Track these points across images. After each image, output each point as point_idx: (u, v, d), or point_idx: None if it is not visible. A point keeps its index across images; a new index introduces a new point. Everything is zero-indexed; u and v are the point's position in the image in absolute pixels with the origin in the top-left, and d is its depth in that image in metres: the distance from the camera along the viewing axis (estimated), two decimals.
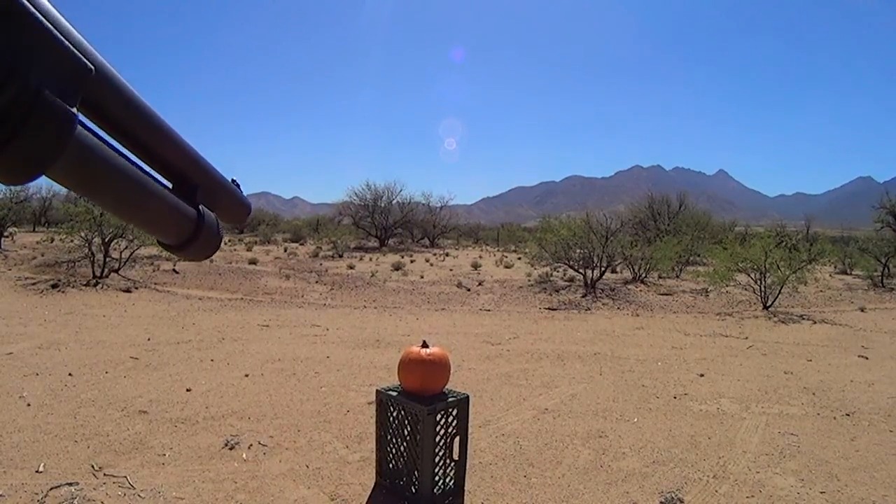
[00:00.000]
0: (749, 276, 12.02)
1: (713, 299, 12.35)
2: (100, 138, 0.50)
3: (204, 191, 0.66)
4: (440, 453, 2.93)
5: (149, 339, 6.73)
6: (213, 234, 0.67)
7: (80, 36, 0.46)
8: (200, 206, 0.65)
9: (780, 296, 11.49)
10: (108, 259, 11.80)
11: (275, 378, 5.24)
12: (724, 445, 3.92)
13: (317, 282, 13.62)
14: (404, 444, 2.97)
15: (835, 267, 20.89)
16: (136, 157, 0.58)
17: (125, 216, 0.56)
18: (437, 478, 2.94)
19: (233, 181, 0.76)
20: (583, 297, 12.21)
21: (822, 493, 3.24)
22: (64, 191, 28.49)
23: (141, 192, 0.55)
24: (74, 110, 0.43)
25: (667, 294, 12.96)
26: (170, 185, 0.63)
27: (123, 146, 0.57)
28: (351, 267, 17.19)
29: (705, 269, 14.19)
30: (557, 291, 12.83)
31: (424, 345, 3.02)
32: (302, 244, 27.54)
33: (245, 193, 0.77)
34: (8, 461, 3.26)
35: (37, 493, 2.89)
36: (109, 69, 0.52)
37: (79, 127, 0.45)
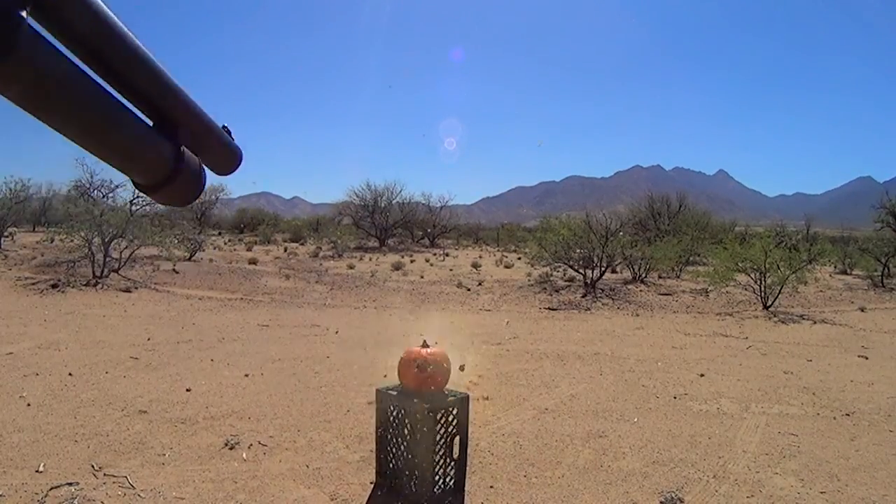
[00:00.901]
0: (749, 276, 12.02)
1: (713, 299, 12.35)
2: (66, 58, 0.45)
3: (187, 131, 0.61)
4: (440, 452, 2.93)
5: (149, 339, 6.73)
6: (194, 177, 0.62)
7: None
8: (182, 147, 0.60)
9: (780, 296, 11.49)
10: (107, 259, 11.81)
11: (275, 378, 5.24)
12: (724, 445, 3.92)
13: (317, 282, 13.62)
14: (404, 443, 2.97)
15: (835, 267, 20.88)
16: (114, 88, 0.53)
17: (90, 145, 0.51)
18: (437, 477, 2.94)
19: (223, 127, 0.71)
20: (583, 297, 12.21)
21: (821, 493, 3.24)
22: (64, 191, 28.51)
23: (109, 119, 0.51)
24: (23, 13, 0.39)
25: (667, 294, 12.96)
26: (150, 124, 0.58)
27: (98, 75, 0.52)
28: (351, 267, 17.19)
29: (705, 269, 14.19)
30: (557, 291, 12.83)
31: (425, 344, 3.03)
32: (302, 244, 27.54)
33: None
34: (8, 461, 3.26)
35: (37, 493, 2.89)
36: None
37: (38, 39, 0.41)
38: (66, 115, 0.47)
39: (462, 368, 3.10)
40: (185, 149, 0.61)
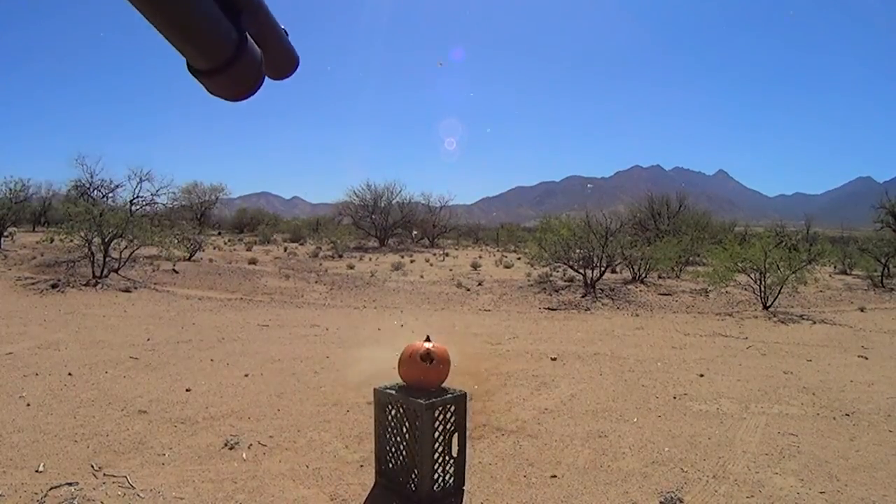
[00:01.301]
0: (749, 276, 12.02)
1: (713, 299, 12.35)
2: None
3: (250, 19, 0.59)
4: (439, 450, 2.94)
5: (149, 339, 6.73)
6: (254, 66, 0.58)
7: None
8: (245, 32, 0.57)
9: (779, 296, 11.49)
10: (107, 259, 11.81)
11: (275, 378, 5.24)
12: (723, 445, 3.92)
13: (316, 282, 13.62)
14: (403, 442, 2.97)
15: (835, 267, 20.87)
16: None
17: (151, 12, 0.48)
18: (436, 475, 2.95)
19: (283, 30, 0.68)
20: (582, 297, 12.21)
21: (821, 493, 3.24)
22: (64, 191, 28.49)
23: None
24: None
25: (667, 294, 12.96)
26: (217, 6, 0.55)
27: None
28: (351, 267, 17.20)
29: (705, 270, 14.19)
30: (557, 291, 12.83)
31: (427, 339, 3.07)
32: (302, 244, 27.54)
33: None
34: (8, 461, 3.26)
35: (37, 493, 2.89)
36: None
37: None
38: None
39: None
40: (249, 36, 0.58)
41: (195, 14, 0.50)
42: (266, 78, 0.69)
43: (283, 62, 0.69)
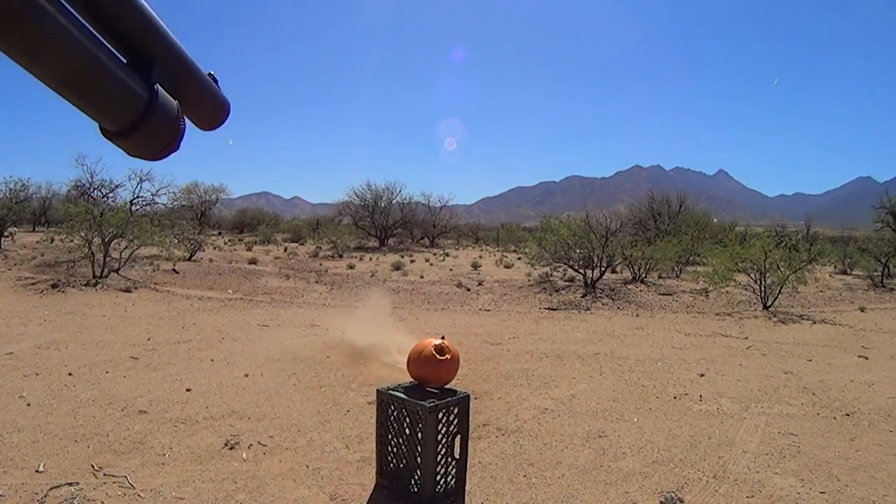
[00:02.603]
0: (749, 276, 12.02)
1: (713, 299, 12.35)
2: None
3: (163, 69, 0.53)
4: (441, 452, 2.94)
5: (149, 339, 6.73)
6: (169, 122, 0.53)
7: None
8: (156, 86, 0.52)
9: (779, 296, 11.49)
10: (107, 259, 11.81)
11: (275, 378, 5.24)
12: (724, 445, 3.92)
13: (317, 282, 13.62)
14: (405, 443, 2.97)
15: (835, 267, 20.88)
16: (80, 15, 0.47)
17: (49, 78, 0.44)
18: (438, 477, 2.95)
19: (210, 74, 0.63)
20: (583, 297, 12.21)
21: (821, 493, 3.24)
22: (64, 191, 28.50)
23: (67, 46, 0.43)
24: None
25: (667, 294, 12.96)
26: (122, 61, 0.51)
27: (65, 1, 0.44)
28: (351, 267, 17.19)
29: (705, 270, 14.19)
30: (557, 291, 12.83)
31: (442, 338, 3.10)
32: (302, 244, 27.53)
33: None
34: (8, 461, 3.26)
35: (37, 493, 2.89)
36: None
37: None
38: (21, 41, 0.40)
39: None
40: (161, 89, 0.53)
41: (95, 74, 0.46)
42: (205, 127, 0.65)
43: (210, 111, 0.64)
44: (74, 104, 0.48)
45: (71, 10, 0.44)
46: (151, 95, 0.51)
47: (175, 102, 0.54)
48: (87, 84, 0.46)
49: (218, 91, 0.64)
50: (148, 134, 0.52)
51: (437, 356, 2.98)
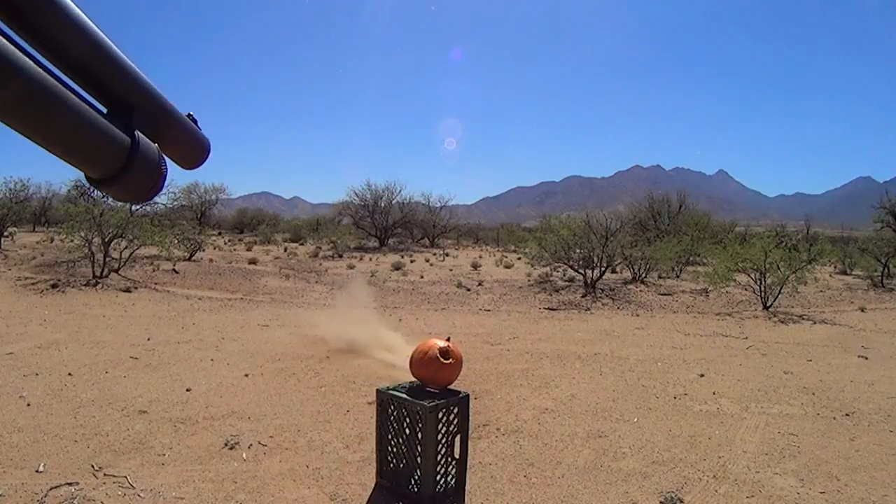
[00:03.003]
0: (749, 276, 12.02)
1: (713, 299, 12.35)
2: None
3: (144, 116, 0.55)
4: (441, 452, 2.94)
5: (149, 339, 6.73)
6: (151, 168, 0.54)
7: None
8: (137, 133, 0.53)
9: (779, 296, 11.49)
10: (107, 259, 11.80)
11: (275, 378, 5.24)
12: (724, 445, 3.92)
13: (317, 282, 13.62)
14: (405, 443, 2.97)
15: (835, 267, 20.88)
16: (59, 69, 0.48)
17: (32, 133, 0.45)
18: (438, 477, 2.95)
19: (189, 115, 0.64)
20: (583, 297, 12.21)
21: (821, 493, 3.24)
22: (64, 191, 28.50)
23: (53, 104, 0.44)
24: None
25: (667, 294, 12.96)
26: (103, 110, 0.52)
27: (40, 53, 0.46)
28: (351, 267, 17.19)
29: (705, 270, 14.19)
30: (557, 291, 12.83)
31: (448, 339, 3.10)
32: (302, 244, 27.53)
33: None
34: (8, 461, 3.26)
35: (37, 493, 2.89)
36: None
37: None
38: (7, 106, 0.41)
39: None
40: (142, 135, 0.54)
41: (78, 128, 0.47)
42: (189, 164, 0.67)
43: (190, 152, 0.66)
44: (59, 156, 0.49)
45: (50, 66, 0.45)
46: (133, 143, 0.52)
47: (155, 147, 0.56)
48: (71, 138, 0.47)
49: (197, 132, 0.65)
50: (132, 180, 0.53)
51: (442, 359, 2.98)
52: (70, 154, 0.49)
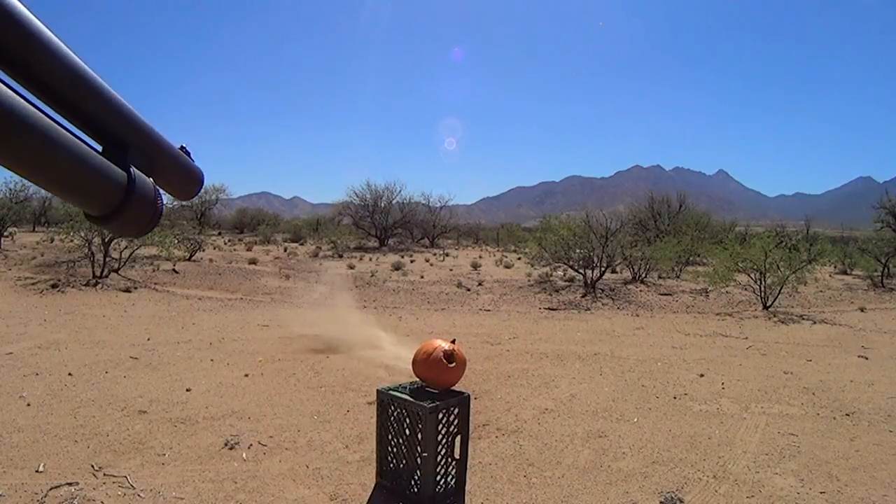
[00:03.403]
0: (749, 276, 12.02)
1: (713, 299, 12.35)
2: None
3: (138, 152, 0.57)
4: (442, 452, 2.94)
5: (149, 339, 6.73)
6: (148, 203, 0.56)
7: None
8: (132, 169, 0.55)
9: (779, 296, 11.49)
10: (107, 259, 11.80)
11: (275, 378, 5.24)
12: (724, 445, 3.92)
13: (316, 282, 13.62)
14: (405, 443, 2.97)
15: (835, 267, 20.87)
16: (53, 109, 0.49)
17: (30, 174, 0.46)
18: (438, 477, 2.95)
19: (181, 148, 0.66)
20: (583, 297, 12.21)
21: (821, 493, 3.24)
22: None
23: (49, 145, 0.45)
24: None
25: (667, 294, 12.96)
26: (98, 148, 0.53)
27: (34, 94, 0.47)
28: (351, 267, 17.19)
29: (705, 270, 14.19)
30: (557, 291, 12.83)
31: (453, 341, 3.10)
32: (302, 244, 27.53)
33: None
34: (8, 461, 3.26)
35: (37, 493, 2.89)
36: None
37: None
38: (3, 143, 0.42)
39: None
40: (137, 172, 0.56)
41: (75, 168, 0.48)
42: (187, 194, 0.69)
43: (184, 184, 0.68)
44: (57, 195, 0.50)
45: (44, 108, 0.46)
46: (130, 180, 0.54)
47: (151, 182, 0.57)
48: (69, 178, 0.49)
49: (191, 164, 0.67)
50: (129, 216, 0.55)
51: (446, 363, 2.98)
52: (68, 193, 0.50)
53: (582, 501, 3.07)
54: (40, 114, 0.45)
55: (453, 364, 3.00)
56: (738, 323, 9.70)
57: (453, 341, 3.11)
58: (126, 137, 0.56)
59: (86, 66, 0.51)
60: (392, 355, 6.02)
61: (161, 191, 0.61)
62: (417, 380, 3.19)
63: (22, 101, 0.43)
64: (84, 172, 0.49)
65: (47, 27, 0.47)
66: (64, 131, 0.47)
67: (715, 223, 29.83)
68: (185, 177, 0.67)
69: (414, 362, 3.08)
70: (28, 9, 0.44)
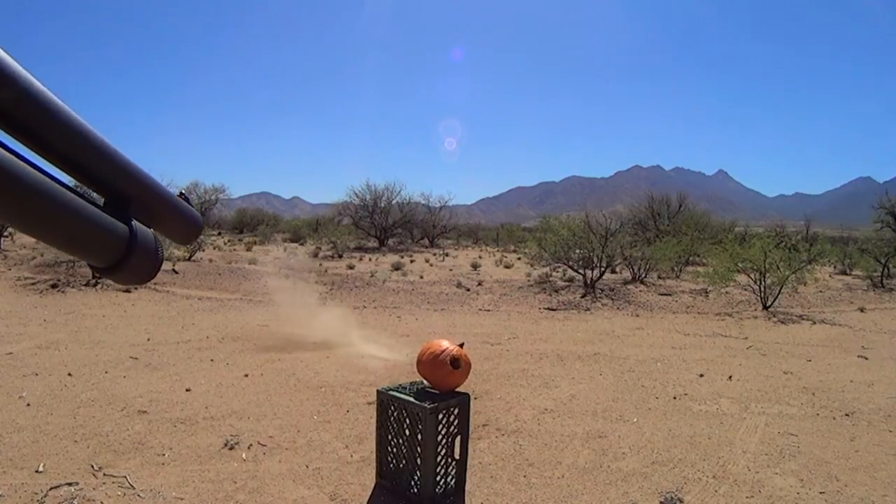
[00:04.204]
0: (749, 276, 12.02)
1: (713, 299, 12.35)
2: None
3: (139, 204, 0.59)
4: (441, 452, 2.94)
5: (148, 339, 6.73)
6: (150, 254, 0.58)
7: None
8: (134, 222, 0.57)
9: (779, 296, 11.49)
10: None
11: (275, 378, 5.24)
12: (723, 445, 3.92)
13: (316, 282, 13.61)
14: (405, 443, 2.97)
15: (834, 267, 20.88)
16: (57, 168, 0.51)
17: (36, 233, 0.48)
18: (438, 477, 2.95)
19: (181, 195, 0.69)
20: (582, 297, 12.21)
21: (821, 493, 3.24)
22: None
23: (55, 205, 0.47)
24: None
25: (666, 294, 12.97)
26: (100, 202, 0.55)
27: (38, 154, 0.49)
28: (350, 267, 17.19)
29: (705, 270, 14.19)
30: (557, 292, 12.83)
31: (461, 345, 3.10)
32: (302, 244, 27.53)
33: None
34: (8, 461, 3.26)
35: (37, 493, 2.89)
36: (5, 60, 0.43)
37: None
38: (6, 206, 0.43)
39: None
40: (138, 223, 0.58)
41: (80, 223, 0.50)
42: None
43: (185, 231, 0.70)
44: (62, 251, 0.52)
45: (47, 168, 0.48)
46: (132, 234, 0.56)
47: (151, 233, 0.60)
48: (74, 235, 0.51)
49: (190, 211, 0.70)
50: (132, 268, 0.57)
51: (451, 367, 2.97)
52: (73, 250, 0.52)
53: (582, 501, 3.07)
54: (44, 177, 0.46)
55: (459, 368, 2.99)
56: (738, 323, 9.70)
57: (461, 345, 3.10)
58: (128, 191, 0.57)
59: (90, 127, 0.52)
60: (361, 353, 6.17)
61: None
62: (417, 380, 3.19)
63: (26, 165, 0.45)
64: (88, 230, 0.51)
65: (58, 97, 0.48)
66: (67, 192, 0.49)
67: (715, 223, 29.83)
68: (184, 224, 0.69)
69: (419, 362, 3.07)
70: (29, 71, 0.46)
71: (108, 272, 0.57)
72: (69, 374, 5.07)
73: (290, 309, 8.46)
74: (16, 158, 0.44)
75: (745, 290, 12.40)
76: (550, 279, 14.80)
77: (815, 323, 9.91)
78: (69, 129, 0.50)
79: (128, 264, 0.56)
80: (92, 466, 3.23)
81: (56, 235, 0.50)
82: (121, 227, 0.55)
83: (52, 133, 0.49)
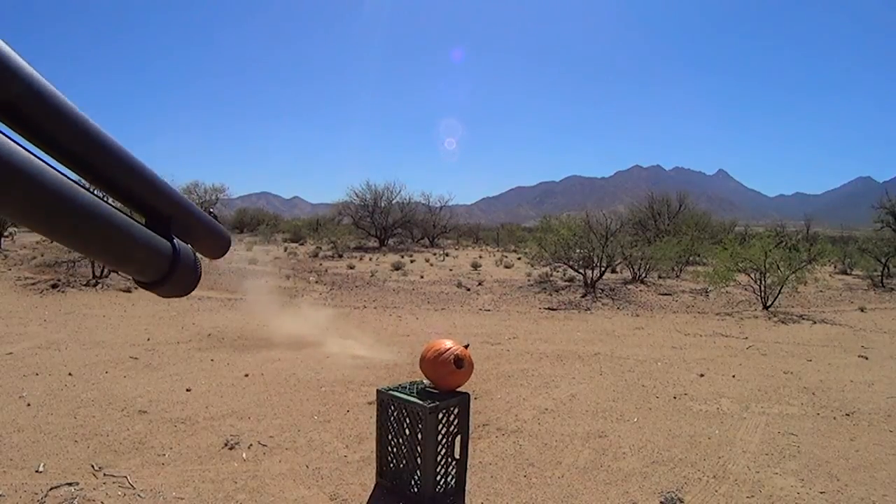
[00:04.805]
0: (749, 276, 12.02)
1: (713, 299, 12.35)
2: (57, 172, 0.46)
3: (178, 223, 0.64)
4: (441, 452, 2.94)
5: (148, 339, 6.73)
6: (190, 269, 0.63)
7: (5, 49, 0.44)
8: (175, 240, 0.62)
9: (779, 296, 11.49)
10: None
11: (275, 378, 5.24)
12: (724, 445, 3.92)
13: (316, 282, 13.61)
14: (405, 443, 2.97)
15: (835, 267, 20.87)
16: (100, 189, 0.56)
17: (90, 252, 0.52)
18: (438, 477, 2.95)
19: (209, 212, 0.74)
20: (583, 297, 12.21)
21: (821, 493, 3.24)
22: None
23: (106, 225, 0.51)
24: None
25: (667, 294, 12.96)
26: (142, 220, 0.60)
27: (84, 178, 0.54)
28: (351, 267, 17.19)
29: (705, 269, 14.19)
30: (557, 291, 12.83)
31: (467, 346, 3.11)
32: (302, 244, 27.52)
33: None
34: (8, 461, 3.26)
35: (37, 493, 2.89)
36: (54, 96, 0.48)
37: (30, 161, 0.42)
38: (64, 228, 0.48)
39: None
40: (179, 241, 0.63)
41: (129, 241, 0.54)
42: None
43: (216, 247, 0.76)
44: (111, 267, 0.60)
45: (96, 193, 0.53)
46: (174, 251, 0.61)
47: (190, 248, 0.65)
48: (125, 254, 0.55)
49: (220, 229, 0.76)
50: (175, 281, 0.61)
51: (455, 366, 2.98)
52: (124, 266, 0.57)
53: (582, 501, 3.07)
54: (99, 201, 0.51)
55: (462, 368, 2.99)
56: (738, 323, 9.70)
57: (467, 346, 3.10)
58: (168, 212, 0.63)
59: (131, 153, 0.58)
60: (332, 351, 6.22)
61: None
62: (417, 380, 3.19)
63: (85, 191, 0.49)
64: (135, 248, 0.56)
65: (101, 128, 0.53)
66: (119, 213, 0.53)
67: (715, 223, 29.82)
68: (216, 241, 0.76)
69: (422, 360, 3.07)
70: (87, 116, 0.52)
71: (153, 286, 0.61)
72: (69, 374, 5.07)
73: (265, 307, 8.57)
74: (79, 187, 0.48)
75: (746, 289, 12.40)
76: (551, 279, 14.80)
77: (815, 323, 9.91)
78: (115, 156, 0.55)
79: (171, 279, 0.60)
80: (92, 466, 3.23)
81: (110, 254, 0.54)
82: (165, 244, 0.60)
83: (103, 161, 0.54)
